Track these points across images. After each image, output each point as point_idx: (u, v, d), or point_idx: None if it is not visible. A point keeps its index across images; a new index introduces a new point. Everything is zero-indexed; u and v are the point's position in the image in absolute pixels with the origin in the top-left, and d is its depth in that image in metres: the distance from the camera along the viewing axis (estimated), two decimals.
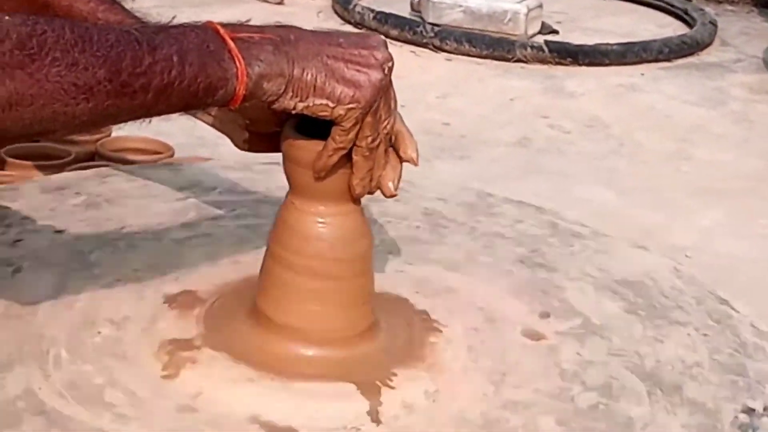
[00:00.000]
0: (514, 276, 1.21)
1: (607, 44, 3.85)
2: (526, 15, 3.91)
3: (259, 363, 0.99)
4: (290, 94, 0.94)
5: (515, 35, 3.87)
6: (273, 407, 0.94)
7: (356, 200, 1.03)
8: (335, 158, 0.98)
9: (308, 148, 0.99)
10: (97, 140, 2.31)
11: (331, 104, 0.95)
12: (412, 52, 3.83)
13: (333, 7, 4.26)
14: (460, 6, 3.95)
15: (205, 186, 1.38)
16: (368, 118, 0.97)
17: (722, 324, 1.15)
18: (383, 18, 3.98)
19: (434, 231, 1.31)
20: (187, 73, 0.89)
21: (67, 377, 0.95)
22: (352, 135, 0.97)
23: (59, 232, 1.21)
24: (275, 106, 0.95)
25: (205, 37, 0.92)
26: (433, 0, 3.99)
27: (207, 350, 1.00)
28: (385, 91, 0.98)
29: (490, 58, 3.79)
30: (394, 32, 3.90)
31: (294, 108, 0.95)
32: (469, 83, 3.60)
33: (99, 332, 1.02)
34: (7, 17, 0.83)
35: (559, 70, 3.74)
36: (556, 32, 4.06)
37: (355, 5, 4.12)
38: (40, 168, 2.22)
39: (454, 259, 1.24)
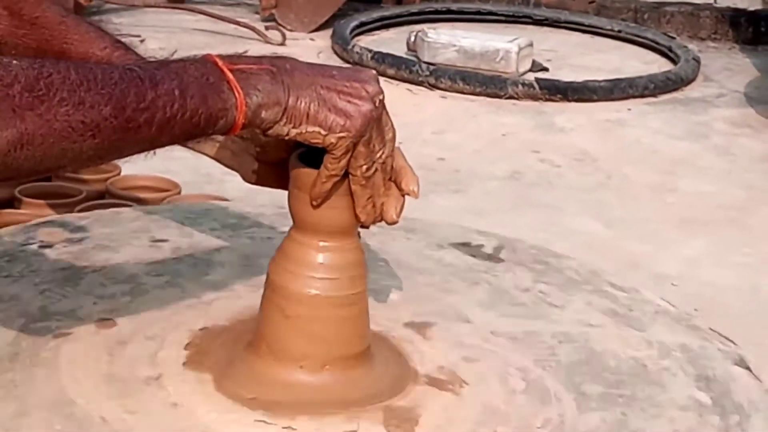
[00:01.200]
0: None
1: (595, 81, 3.90)
2: (517, 53, 3.97)
3: (265, 391, 1.01)
4: (284, 120, 0.97)
5: (507, 73, 3.92)
6: None
7: (356, 235, 1.05)
8: (329, 185, 1.01)
9: (312, 177, 1.01)
10: (107, 179, 2.38)
11: (323, 132, 0.98)
12: (408, 90, 3.88)
13: (332, 47, 4.31)
14: (454, 46, 4.01)
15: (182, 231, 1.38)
16: (360, 148, 1.00)
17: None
18: (380, 58, 4.03)
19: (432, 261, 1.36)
20: (189, 106, 0.92)
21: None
22: (343, 162, 1.00)
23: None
24: (270, 132, 0.98)
25: (205, 70, 0.95)
26: (428, 40, 4.06)
27: (214, 380, 1.02)
28: (376, 122, 1.01)
29: (483, 96, 3.82)
30: (391, 71, 3.95)
31: (287, 134, 0.98)
32: (463, 120, 3.64)
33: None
34: (15, 61, 0.86)
35: (550, 107, 3.78)
36: (546, 70, 4.12)
37: (353, 46, 4.18)
38: (52, 206, 2.29)
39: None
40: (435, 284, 1.29)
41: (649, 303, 1.31)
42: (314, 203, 1.02)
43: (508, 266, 1.37)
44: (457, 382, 1.08)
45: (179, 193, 2.42)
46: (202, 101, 0.93)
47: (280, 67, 0.98)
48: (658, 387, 1.10)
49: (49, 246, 1.32)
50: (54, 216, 1.64)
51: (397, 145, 1.05)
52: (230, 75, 0.95)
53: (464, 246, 1.41)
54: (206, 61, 0.96)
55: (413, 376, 1.08)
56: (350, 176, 1.01)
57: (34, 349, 1.07)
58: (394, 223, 1.06)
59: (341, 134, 0.98)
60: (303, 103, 0.97)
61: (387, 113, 1.03)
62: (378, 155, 1.02)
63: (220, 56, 0.97)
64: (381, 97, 1.01)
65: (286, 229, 1.06)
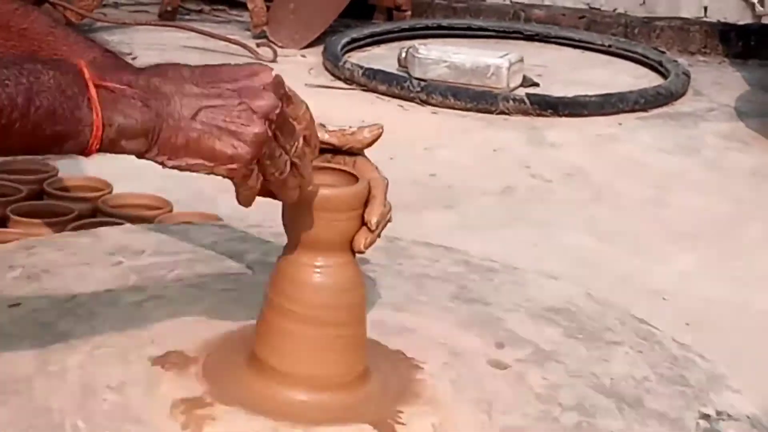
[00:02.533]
0: (456, 312, 1.27)
1: (586, 96, 3.91)
2: (508, 69, 3.99)
3: (272, 412, 1.00)
4: (156, 152, 0.89)
5: (498, 88, 3.93)
6: None
7: (351, 251, 1.05)
8: (251, 199, 0.95)
9: (305, 195, 1.00)
10: (99, 197, 2.38)
11: (207, 164, 0.90)
12: (399, 106, 3.88)
13: (324, 64, 4.31)
14: (445, 62, 4.03)
15: (132, 249, 1.36)
16: (265, 161, 0.92)
17: (649, 341, 1.25)
18: (371, 74, 4.04)
19: (365, 276, 1.37)
20: (32, 118, 0.83)
21: None
22: (251, 182, 0.92)
23: (15, 305, 1.17)
24: (144, 158, 0.90)
25: (65, 79, 0.85)
26: (419, 56, 4.07)
27: (220, 406, 1.01)
28: (273, 138, 0.92)
29: (474, 111, 3.83)
30: (383, 87, 3.97)
31: (163, 165, 0.90)
32: (454, 135, 3.64)
33: (104, 399, 0.99)
34: None
35: (541, 122, 3.78)
36: (536, 85, 4.13)
37: (344, 62, 4.18)
38: (43, 225, 2.28)
39: (396, 300, 1.27)
40: None
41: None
42: (242, 205, 0.98)
43: None
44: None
45: (171, 210, 2.42)
46: (49, 115, 0.83)
47: (159, 89, 0.89)
48: None
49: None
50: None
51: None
52: (93, 92, 0.85)
53: None
54: (71, 69, 0.87)
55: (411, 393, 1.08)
56: (267, 181, 0.95)
57: None
58: (361, 252, 1.04)
59: (230, 166, 0.90)
60: (180, 136, 0.89)
61: (293, 99, 0.95)
62: (286, 154, 0.94)
63: (91, 64, 0.88)
64: (276, 111, 0.91)
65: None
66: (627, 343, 1.24)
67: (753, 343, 2.33)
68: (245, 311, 1.17)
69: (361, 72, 4.07)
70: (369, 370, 1.08)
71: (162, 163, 0.90)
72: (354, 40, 4.59)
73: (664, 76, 4.37)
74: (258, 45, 4.46)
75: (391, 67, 4.17)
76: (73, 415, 0.98)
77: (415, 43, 4.30)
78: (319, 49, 4.47)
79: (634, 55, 4.68)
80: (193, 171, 0.91)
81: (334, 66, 4.22)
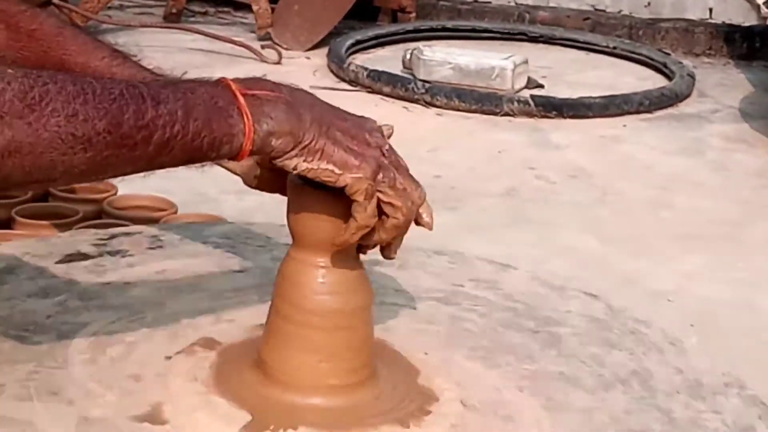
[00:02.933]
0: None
1: (591, 97, 3.93)
2: (513, 71, 4.00)
3: (277, 416, 0.99)
4: (295, 152, 0.95)
5: (502, 90, 3.95)
6: None
7: (356, 251, 1.03)
8: (357, 237, 0.99)
9: (311, 197, 1.00)
10: (103, 199, 2.38)
11: (337, 171, 0.96)
12: (404, 107, 3.90)
13: (328, 66, 4.33)
14: (450, 63, 4.04)
15: (141, 248, 1.38)
16: (389, 191, 0.98)
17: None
18: (376, 76, 4.05)
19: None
20: (191, 128, 0.90)
21: None
22: (370, 211, 0.98)
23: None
24: (278, 162, 0.96)
25: (215, 92, 0.92)
26: (424, 58, 4.08)
27: (225, 409, 1.00)
28: (399, 168, 0.99)
29: (478, 113, 3.84)
30: (387, 89, 3.98)
31: (296, 168, 0.95)
32: (458, 137, 3.66)
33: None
34: (9, 70, 0.85)
35: (545, 123, 3.79)
36: (541, 86, 4.14)
37: (349, 64, 4.20)
38: (48, 227, 2.29)
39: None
40: None
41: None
42: (336, 248, 1.01)
43: None
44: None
45: (176, 212, 2.42)
46: (206, 124, 0.91)
47: (298, 99, 0.97)
48: None
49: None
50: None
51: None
52: (242, 100, 0.93)
53: None
54: (219, 83, 0.95)
55: (416, 389, 1.08)
56: (386, 218, 0.99)
57: None
58: (391, 258, 1.06)
59: (356, 174, 0.96)
60: (319, 139, 0.95)
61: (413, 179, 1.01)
62: (416, 198, 1.00)
63: (236, 80, 0.95)
64: (386, 146, 1.00)
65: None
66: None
67: (757, 345, 2.33)
68: (253, 314, 1.17)
69: (365, 74, 4.09)
70: (376, 372, 1.07)
71: (295, 167, 0.95)
72: (359, 42, 4.60)
73: (669, 77, 4.38)
74: (263, 47, 4.47)
75: (396, 68, 4.19)
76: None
77: (420, 44, 4.31)
78: (324, 50, 4.48)
79: (639, 57, 4.69)
80: (320, 177, 0.96)
81: (338, 68, 4.23)
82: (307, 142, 0.95)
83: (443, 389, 1.09)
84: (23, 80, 0.85)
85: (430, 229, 1.05)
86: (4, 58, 1.15)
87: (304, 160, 0.95)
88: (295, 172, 0.96)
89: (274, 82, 0.98)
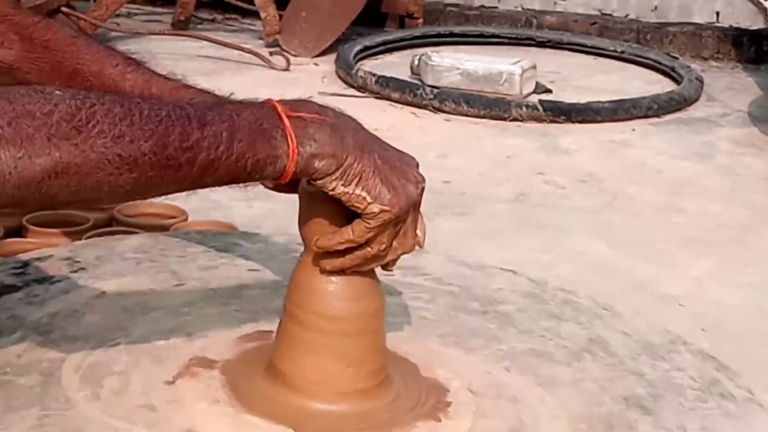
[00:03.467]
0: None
1: (599, 102, 3.92)
2: (521, 76, 3.99)
3: (292, 422, 1.00)
4: (337, 176, 0.96)
5: (511, 95, 3.95)
6: None
7: None
8: (342, 248, 1.00)
9: (323, 204, 1.01)
10: (114, 207, 2.39)
11: (368, 199, 0.97)
12: (412, 113, 3.90)
13: (336, 72, 4.33)
14: (458, 69, 4.04)
15: (154, 255, 1.39)
16: (392, 227, 0.99)
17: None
18: (384, 82, 4.05)
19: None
20: (236, 149, 0.91)
21: None
22: (371, 235, 0.99)
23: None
24: (318, 182, 0.97)
25: (261, 114, 0.94)
26: (432, 63, 4.08)
27: (241, 415, 1.01)
28: (414, 208, 1.01)
29: (487, 118, 3.85)
30: (395, 95, 3.98)
31: (334, 190, 0.97)
32: (467, 142, 3.66)
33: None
34: (57, 91, 0.87)
35: (554, 128, 3.79)
36: (549, 91, 4.14)
37: (357, 70, 4.20)
38: (59, 235, 2.30)
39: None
40: None
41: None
42: (315, 249, 1.02)
43: None
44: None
45: (186, 219, 2.43)
46: (250, 146, 0.92)
47: (343, 123, 0.98)
48: None
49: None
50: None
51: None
52: (287, 122, 0.94)
53: None
54: (265, 105, 0.96)
55: (429, 392, 1.09)
56: (367, 247, 1.00)
57: None
58: (389, 272, 1.07)
59: (385, 207, 0.97)
60: (359, 165, 0.97)
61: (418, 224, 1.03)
62: (400, 243, 1.02)
63: (282, 102, 0.97)
64: (424, 184, 1.01)
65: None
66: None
67: (767, 349, 2.33)
68: (222, 326, 1.18)
69: (374, 80, 4.09)
70: (389, 379, 1.08)
71: (333, 189, 0.97)
72: (366, 48, 4.60)
73: (677, 81, 4.38)
74: (271, 54, 4.48)
75: (404, 74, 4.19)
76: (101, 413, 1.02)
77: (428, 50, 4.32)
78: (332, 57, 4.49)
79: (647, 61, 4.69)
80: (352, 201, 0.98)
81: (347, 74, 4.24)
82: (348, 166, 0.96)
83: (447, 379, 1.11)
84: (71, 102, 0.87)
85: (421, 246, 1.06)
86: (18, 70, 1.17)
87: (342, 184, 0.97)
88: (332, 193, 0.97)
89: (320, 105, 0.99)
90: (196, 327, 1.19)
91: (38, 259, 1.39)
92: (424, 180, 1.02)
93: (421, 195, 1.01)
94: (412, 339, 1.20)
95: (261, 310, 1.23)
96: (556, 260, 2.69)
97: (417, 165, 1.03)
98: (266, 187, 1.12)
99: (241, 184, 0.97)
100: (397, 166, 1.00)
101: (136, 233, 2.26)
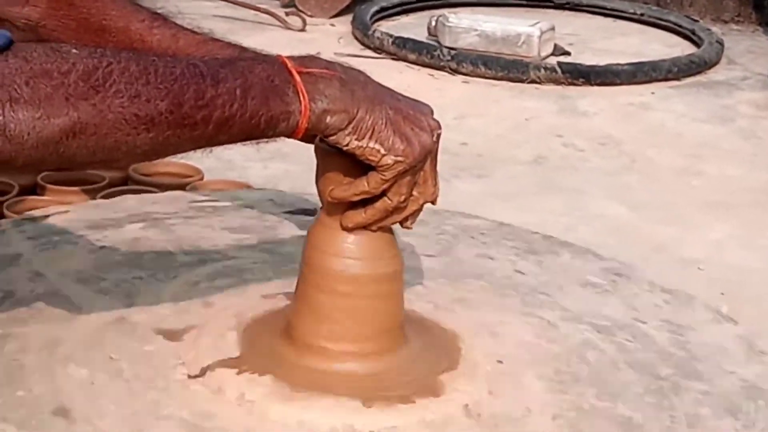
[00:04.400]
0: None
1: (618, 64, 3.89)
2: (539, 37, 3.96)
3: (298, 379, 1.01)
4: (350, 130, 0.97)
5: (529, 57, 3.91)
6: (351, 418, 0.98)
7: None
8: (358, 198, 1.01)
9: (338, 161, 1.01)
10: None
11: (382, 151, 0.97)
12: (429, 75, 3.87)
13: (353, 33, 4.30)
14: (476, 30, 4.01)
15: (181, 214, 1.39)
16: (408, 177, 0.99)
17: None
18: (401, 43, 4.02)
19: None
20: (249, 107, 0.92)
21: None
22: (386, 186, 0.99)
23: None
24: (331, 139, 0.98)
25: (272, 71, 0.95)
26: (449, 25, 4.05)
27: (256, 375, 1.02)
28: (432, 156, 1.01)
29: (505, 80, 3.81)
30: (412, 56, 3.95)
31: (347, 145, 0.97)
32: (485, 104, 3.64)
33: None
34: (74, 50, 0.88)
35: (572, 90, 3.77)
36: (568, 53, 4.11)
37: (374, 31, 4.17)
38: (75, 193, 2.29)
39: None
40: None
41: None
42: (330, 200, 1.01)
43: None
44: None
45: (202, 179, 2.43)
46: (263, 103, 0.93)
47: (352, 77, 0.98)
48: None
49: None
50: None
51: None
52: (298, 78, 0.94)
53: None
54: (275, 61, 0.96)
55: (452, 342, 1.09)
56: (384, 198, 1.01)
57: None
58: (408, 228, 1.06)
59: (399, 158, 0.97)
60: (371, 118, 0.97)
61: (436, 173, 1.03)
62: (420, 192, 1.02)
63: (291, 58, 0.97)
64: (439, 131, 1.01)
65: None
66: None
67: None
68: (283, 280, 1.18)
69: (390, 41, 4.05)
70: (408, 338, 1.07)
71: (347, 144, 0.97)
72: (383, 9, 4.56)
73: (697, 44, 4.33)
74: (287, 14, 4.44)
75: (421, 35, 4.15)
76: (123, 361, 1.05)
77: (445, 11, 4.27)
78: (349, 18, 4.45)
79: (667, 24, 4.64)
80: (366, 155, 0.97)
81: (363, 35, 4.20)
82: (360, 120, 0.97)
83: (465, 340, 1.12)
84: (87, 61, 0.87)
85: (434, 203, 1.05)
86: (44, 28, 1.16)
87: (356, 138, 0.97)
88: (345, 148, 0.98)
89: (328, 61, 0.99)
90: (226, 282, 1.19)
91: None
92: (439, 126, 1.01)
93: (437, 142, 1.00)
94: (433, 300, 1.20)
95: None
96: (575, 223, 2.67)
97: (432, 112, 1.03)
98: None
99: (253, 141, 0.97)
100: (410, 115, 0.99)
101: (153, 192, 2.26)
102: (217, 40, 1.16)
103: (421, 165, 1.00)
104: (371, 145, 0.97)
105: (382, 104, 0.98)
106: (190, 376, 1.02)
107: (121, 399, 0.99)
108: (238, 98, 0.91)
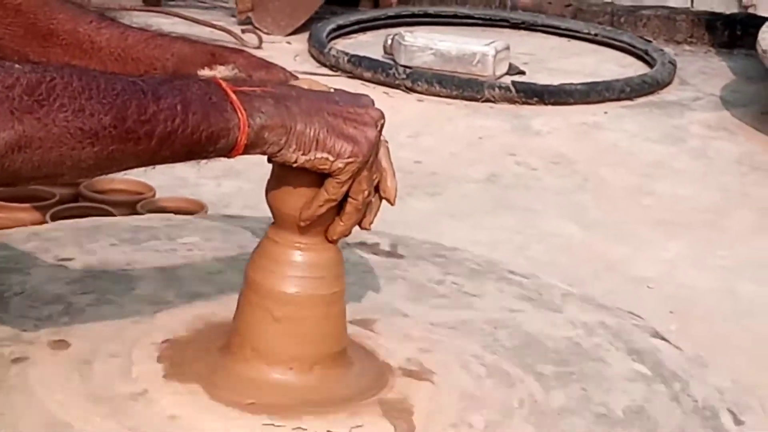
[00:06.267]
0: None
1: (572, 84, 3.92)
2: (494, 57, 3.98)
3: (261, 395, 1.00)
4: (293, 147, 0.96)
5: (484, 76, 3.93)
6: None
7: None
8: (324, 209, 1.00)
9: (289, 171, 1.00)
10: (81, 182, 2.36)
11: (331, 158, 0.97)
12: (384, 93, 3.88)
13: (309, 50, 4.31)
14: (431, 49, 4.02)
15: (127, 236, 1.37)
16: (365, 173, 1.00)
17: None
18: (357, 61, 4.03)
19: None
20: (191, 122, 0.92)
21: None
22: (345, 188, 1.00)
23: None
24: (277, 158, 0.97)
25: (208, 89, 0.95)
26: (405, 43, 4.06)
27: (190, 384, 1.01)
28: (385, 148, 1.02)
29: (459, 99, 3.83)
30: (368, 74, 3.96)
31: (296, 161, 0.97)
32: (439, 123, 3.65)
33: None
34: (17, 65, 0.87)
35: (526, 110, 3.79)
36: (522, 73, 4.13)
37: (330, 49, 4.18)
38: (25, 210, 2.27)
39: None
40: (355, 282, 1.28)
41: (555, 287, 1.36)
42: (302, 224, 1.01)
43: (411, 261, 1.39)
44: (427, 372, 1.09)
45: (153, 196, 2.41)
46: (204, 118, 0.93)
47: (285, 93, 0.98)
48: (601, 362, 1.16)
49: None
50: None
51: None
52: (233, 96, 0.95)
53: (362, 245, 1.40)
54: (210, 81, 0.97)
55: (389, 369, 1.09)
56: (349, 200, 1.01)
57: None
58: (367, 230, 1.07)
59: (349, 160, 0.98)
60: (311, 130, 0.97)
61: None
62: (375, 177, 1.03)
63: (225, 79, 0.98)
64: (383, 121, 1.01)
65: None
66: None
67: (737, 331, 2.34)
68: (223, 295, 1.17)
69: (346, 59, 4.06)
70: (347, 351, 1.07)
71: (295, 160, 0.97)
72: (340, 27, 4.57)
73: (650, 65, 4.37)
74: (243, 31, 4.44)
75: (377, 54, 4.17)
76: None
77: (401, 30, 4.29)
78: (305, 35, 4.46)
79: (621, 44, 4.69)
80: (317, 166, 0.98)
81: (319, 53, 4.21)
82: (300, 134, 0.96)
83: (407, 362, 1.10)
84: (31, 75, 0.87)
85: (391, 204, 1.06)
86: None
87: (302, 153, 0.97)
88: (295, 165, 0.97)
89: (258, 80, 1.01)
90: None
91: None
92: (382, 116, 1.01)
93: (380, 132, 1.00)
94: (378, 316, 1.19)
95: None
96: (527, 241, 2.69)
97: (372, 102, 1.03)
98: None
99: (195, 160, 0.97)
100: (350, 115, 0.99)
101: (103, 209, 2.24)
102: (165, 34, 1.16)
103: (374, 157, 1.01)
104: (318, 155, 0.97)
105: (319, 113, 0.98)
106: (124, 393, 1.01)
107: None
108: (179, 113, 0.92)
